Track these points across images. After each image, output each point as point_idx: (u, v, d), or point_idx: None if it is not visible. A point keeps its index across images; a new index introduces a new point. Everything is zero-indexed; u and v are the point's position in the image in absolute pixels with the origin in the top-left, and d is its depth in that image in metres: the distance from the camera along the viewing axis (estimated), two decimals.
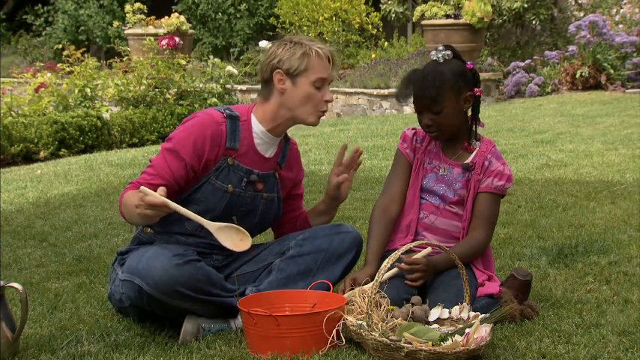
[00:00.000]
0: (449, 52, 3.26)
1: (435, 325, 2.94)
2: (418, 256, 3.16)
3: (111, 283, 3.23)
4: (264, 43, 13.51)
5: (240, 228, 3.03)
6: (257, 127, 3.19)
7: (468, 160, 3.31)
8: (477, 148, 3.31)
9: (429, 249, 3.19)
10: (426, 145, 3.36)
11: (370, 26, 14.22)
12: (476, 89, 3.29)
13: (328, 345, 2.82)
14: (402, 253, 2.89)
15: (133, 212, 2.97)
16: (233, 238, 3.02)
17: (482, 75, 11.81)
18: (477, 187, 3.29)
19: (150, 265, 2.91)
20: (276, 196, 3.29)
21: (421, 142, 3.37)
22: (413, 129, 3.41)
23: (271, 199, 3.27)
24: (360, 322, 2.82)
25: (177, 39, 12.03)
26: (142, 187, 2.94)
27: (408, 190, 3.35)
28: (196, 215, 2.99)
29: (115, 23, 14.29)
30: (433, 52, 3.29)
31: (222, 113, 3.15)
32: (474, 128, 3.33)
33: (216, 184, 3.14)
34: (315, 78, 3.12)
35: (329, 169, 6.66)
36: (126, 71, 10.60)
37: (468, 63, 3.32)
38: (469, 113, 3.34)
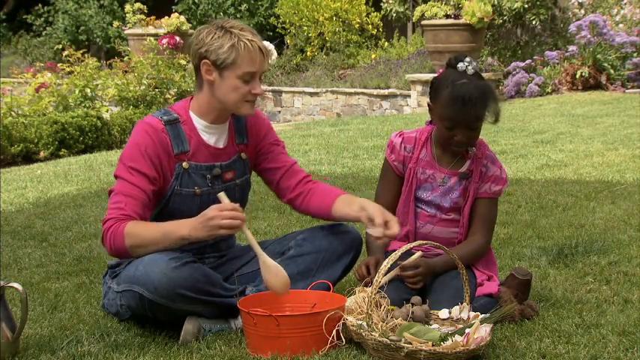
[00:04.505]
0: (476, 64, 3.17)
1: (435, 325, 2.94)
2: (413, 258, 3.14)
3: (103, 297, 3.23)
4: (264, 43, 13.53)
5: (283, 271, 2.94)
6: (198, 122, 3.13)
7: (464, 168, 3.26)
8: (473, 154, 3.28)
9: (420, 252, 3.18)
10: (418, 153, 3.28)
11: (370, 26, 14.22)
12: None
13: (328, 345, 2.81)
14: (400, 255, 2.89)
15: (163, 240, 2.92)
16: (275, 279, 2.94)
17: (483, 75, 11.80)
18: (475, 194, 3.26)
19: (148, 271, 2.89)
20: (249, 176, 3.28)
21: (411, 150, 3.28)
22: (400, 135, 3.32)
23: (246, 181, 3.26)
24: (360, 322, 2.82)
25: (177, 38, 12.04)
26: (221, 194, 2.90)
27: (403, 202, 3.30)
28: (255, 242, 2.95)
29: (115, 23, 14.29)
30: (461, 64, 3.14)
31: (160, 120, 3.08)
32: None
33: (183, 191, 3.10)
34: (241, 72, 3.01)
35: (329, 169, 6.69)
36: (126, 71, 10.61)
37: None
38: None
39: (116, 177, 3.07)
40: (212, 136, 3.16)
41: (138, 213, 3.00)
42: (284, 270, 2.95)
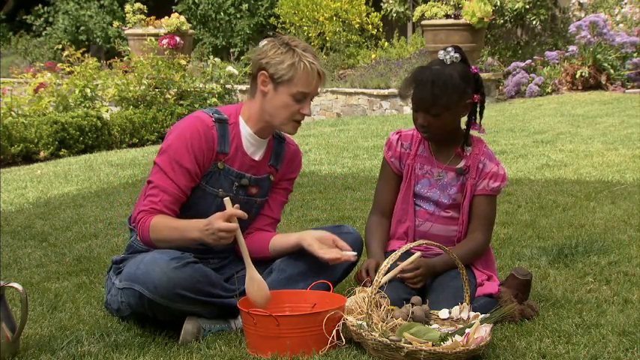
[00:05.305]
0: (457, 55, 3.19)
1: (435, 325, 2.94)
2: (411, 259, 3.14)
3: (107, 293, 3.23)
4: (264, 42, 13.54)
5: (266, 286, 2.98)
6: (245, 129, 3.17)
7: (461, 164, 3.27)
8: (469, 152, 3.28)
9: (419, 252, 3.18)
10: (415, 149, 3.30)
11: (370, 26, 14.22)
12: (476, 95, 3.22)
13: (328, 345, 2.81)
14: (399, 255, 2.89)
15: (181, 239, 2.99)
16: (257, 292, 2.97)
17: (482, 75, 11.76)
18: (473, 191, 3.26)
19: (149, 270, 2.90)
20: (267, 198, 3.29)
21: (408, 147, 3.31)
22: (397, 133, 3.35)
23: (264, 202, 3.27)
24: (360, 322, 2.82)
25: (177, 38, 12.04)
26: (226, 199, 2.91)
27: (402, 198, 3.31)
28: (247, 253, 2.96)
29: (115, 23, 14.29)
30: (441, 52, 3.21)
31: (211, 117, 3.12)
32: (471, 131, 3.29)
33: (207, 189, 3.13)
34: (296, 91, 3.06)
35: (329, 169, 6.70)
36: (126, 71, 10.62)
37: (473, 67, 3.25)
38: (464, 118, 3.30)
39: (157, 164, 3.10)
40: (251, 146, 3.18)
41: (170, 208, 3.06)
42: (267, 286, 2.97)
